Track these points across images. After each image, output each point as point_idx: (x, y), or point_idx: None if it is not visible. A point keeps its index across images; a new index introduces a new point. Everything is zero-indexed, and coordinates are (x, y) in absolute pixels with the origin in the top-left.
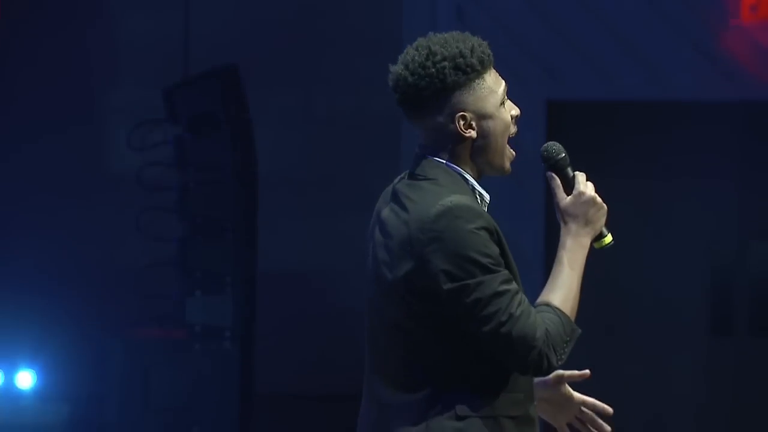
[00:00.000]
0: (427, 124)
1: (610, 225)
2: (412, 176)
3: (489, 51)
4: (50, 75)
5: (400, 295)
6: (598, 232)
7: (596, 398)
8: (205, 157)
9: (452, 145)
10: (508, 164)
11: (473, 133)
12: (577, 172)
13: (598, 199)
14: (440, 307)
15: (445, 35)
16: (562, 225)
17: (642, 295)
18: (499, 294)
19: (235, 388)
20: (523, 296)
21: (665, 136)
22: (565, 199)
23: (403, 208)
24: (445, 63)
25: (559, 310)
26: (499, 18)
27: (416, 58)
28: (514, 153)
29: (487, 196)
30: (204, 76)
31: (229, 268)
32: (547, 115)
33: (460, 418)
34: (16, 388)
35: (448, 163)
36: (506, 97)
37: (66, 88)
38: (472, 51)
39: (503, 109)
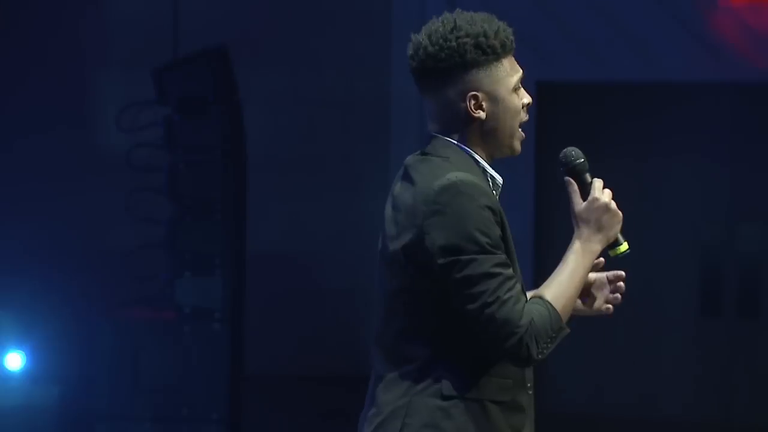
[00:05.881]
0: (439, 99)
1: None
2: (424, 154)
3: (512, 37)
4: (40, 57)
5: (400, 266)
6: (611, 240)
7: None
8: (195, 139)
9: (462, 125)
10: (517, 145)
11: (482, 114)
12: (595, 179)
13: (613, 206)
14: (434, 282)
15: (473, 14)
16: (575, 229)
17: (632, 276)
18: (490, 275)
19: (224, 369)
20: (517, 284)
21: (655, 117)
22: (580, 204)
23: (411, 181)
24: (468, 39)
25: (550, 304)
26: None
27: (440, 29)
28: (524, 135)
29: (499, 179)
30: (193, 57)
31: (219, 249)
32: (537, 96)
33: (445, 398)
34: (6, 369)
35: (459, 143)
36: (520, 85)
37: (56, 70)
38: (496, 33)
39: (515, 96)
